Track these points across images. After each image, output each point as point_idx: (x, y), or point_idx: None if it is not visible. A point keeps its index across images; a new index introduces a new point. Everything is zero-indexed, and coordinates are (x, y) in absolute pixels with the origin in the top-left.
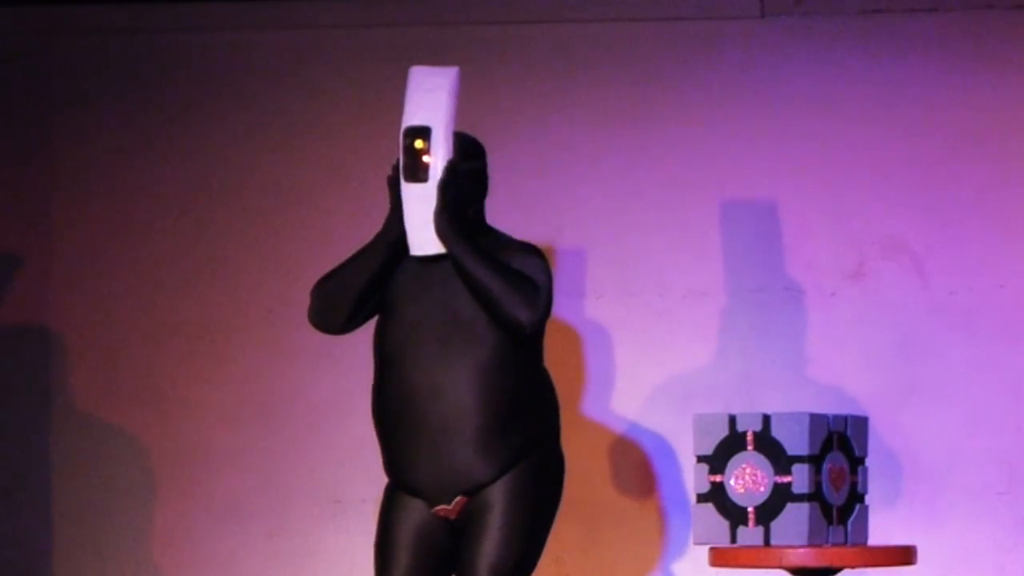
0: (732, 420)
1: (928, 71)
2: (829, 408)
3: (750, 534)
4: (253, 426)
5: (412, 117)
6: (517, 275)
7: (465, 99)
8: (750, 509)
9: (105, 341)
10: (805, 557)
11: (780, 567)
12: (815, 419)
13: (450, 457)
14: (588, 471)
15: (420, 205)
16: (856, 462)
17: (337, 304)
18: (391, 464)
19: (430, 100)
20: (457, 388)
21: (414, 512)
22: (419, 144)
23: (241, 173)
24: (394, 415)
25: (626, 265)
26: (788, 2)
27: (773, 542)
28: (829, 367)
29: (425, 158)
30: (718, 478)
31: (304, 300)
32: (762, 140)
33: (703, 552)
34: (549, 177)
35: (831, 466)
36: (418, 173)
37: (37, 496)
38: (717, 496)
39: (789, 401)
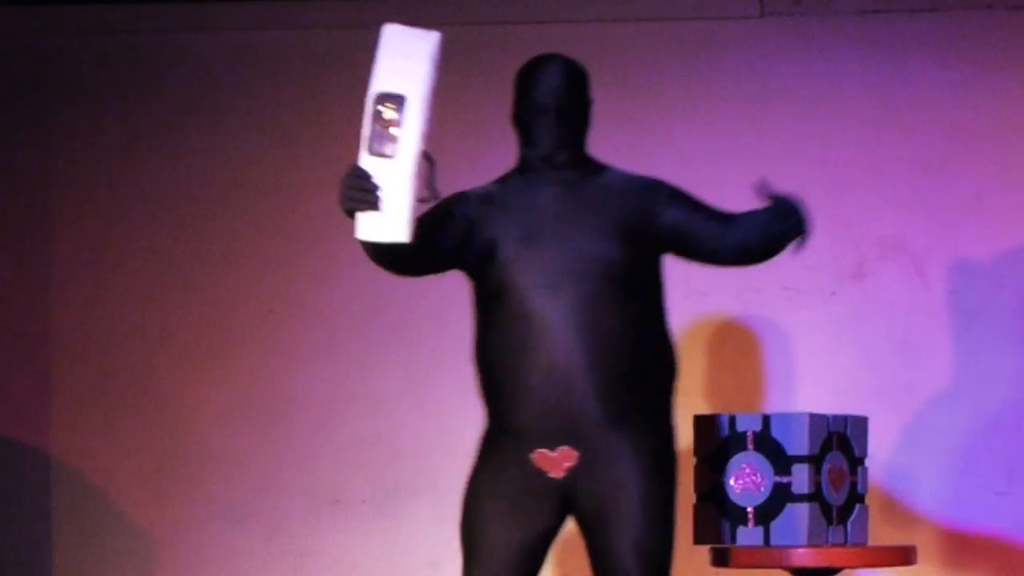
0: (732, 420)
1: (928, 71)
2: (829, 408)
3: (750, 534)
4: (253, 426)
5: (385, 81)
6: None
7: (465, 99)
8: (750, 509)
9: (105, 341)
10: (805, 557)
11: (780, 567)
12: (815, 419)
13: (561, 391)
14: None
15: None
16: (856, 462)
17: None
18: (495, 403)
19: (408, 66)
20: (579, 325)
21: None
22: (390, 113)
23: (241, 173)
24: (505, 351)
25: None
26: (787, 2)
27: (773, 542)
28: (829, 367)
29: (393, 130)
30: (718, 478)
31: (304, 300)
32: (762, 140)
33: (703, 552)
34: None
35: (831, 466)
36: (383, 146)
37: (37, 496)
38: (717, 496)
39: (789, 401)
